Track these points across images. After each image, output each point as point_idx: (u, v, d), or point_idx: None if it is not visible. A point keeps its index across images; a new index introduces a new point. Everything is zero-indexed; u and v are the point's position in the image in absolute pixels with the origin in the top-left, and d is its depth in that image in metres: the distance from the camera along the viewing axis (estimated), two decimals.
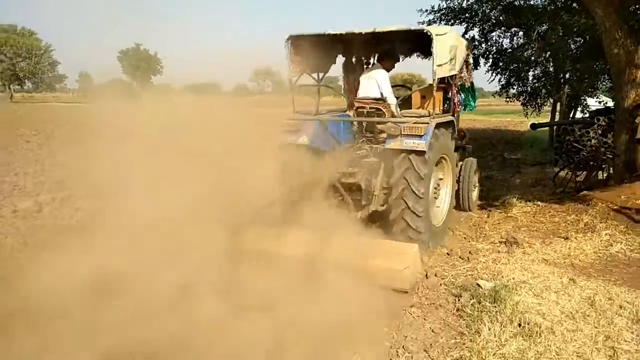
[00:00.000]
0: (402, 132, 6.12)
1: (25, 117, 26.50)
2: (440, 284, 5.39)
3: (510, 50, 17.71)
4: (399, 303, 4.91)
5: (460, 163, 8.17)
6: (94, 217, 7.67)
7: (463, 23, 16.90)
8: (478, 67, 17.47)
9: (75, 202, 8.76)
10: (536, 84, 18.66)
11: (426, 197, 6.23)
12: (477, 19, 16.88)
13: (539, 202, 8.77)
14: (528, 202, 8.85)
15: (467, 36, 16.53)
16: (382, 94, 6.93)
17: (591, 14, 9.26)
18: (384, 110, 6.88)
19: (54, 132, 20.14)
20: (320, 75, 7.53)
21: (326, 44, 7.26)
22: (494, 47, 17.75)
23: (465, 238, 7.17)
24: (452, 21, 16.72)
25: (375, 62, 7.68)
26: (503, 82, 18.42)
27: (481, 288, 5.18)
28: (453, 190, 7.46)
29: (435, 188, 6.96)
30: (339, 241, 5.22)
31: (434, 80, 6.20)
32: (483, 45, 17.60)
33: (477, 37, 17.35)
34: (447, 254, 6.39)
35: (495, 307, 4.57)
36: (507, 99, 19.67)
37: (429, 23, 16.64)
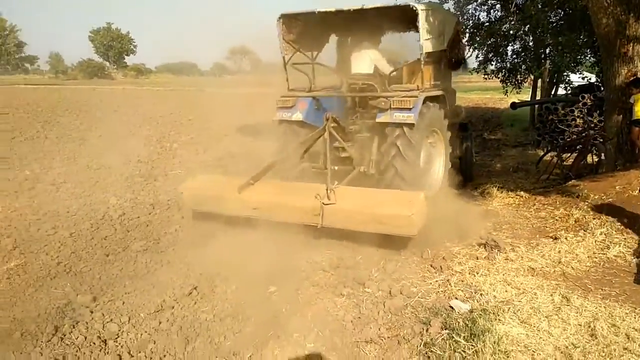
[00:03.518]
0: (392, 106, 6.25)
1: None
2: (407, 306, 4.39)
3: (487, 24, 16.61)
4: (351, 337, 3.92)
5: (461, 138, 8.70)
6: None
7: None
8: None
9: None
10: (515, 60, 17.62)
11: (416, 165, 6.39)
12: None
13: (522, 193, 7.83)
14: (510, 192, 7.90)
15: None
16: (377, 68, 7.05)
17: None
18: (375, 85, 6.85)
19: None
20: (314, 53, 7.74)
21: (317, 23, 7.33)
22: (470, 21, 16.66)
23: (438, 237, 6.14)
24: None
25: (364, 39, 7.50)
26: (481, 58, 17.39)
27: (455, 312, 4.20)
28: (446, 164, 7.39)
29: (426, 161, 6.96)
30: (347, 192, 5.60)
31: (421, 54, 6.32)
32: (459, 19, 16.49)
33: (452, 10, 16.22)
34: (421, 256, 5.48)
35: (472, 345, 3.58)
36: (485, 76, 18.64)
37: None
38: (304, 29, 7.28)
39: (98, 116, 17.29)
